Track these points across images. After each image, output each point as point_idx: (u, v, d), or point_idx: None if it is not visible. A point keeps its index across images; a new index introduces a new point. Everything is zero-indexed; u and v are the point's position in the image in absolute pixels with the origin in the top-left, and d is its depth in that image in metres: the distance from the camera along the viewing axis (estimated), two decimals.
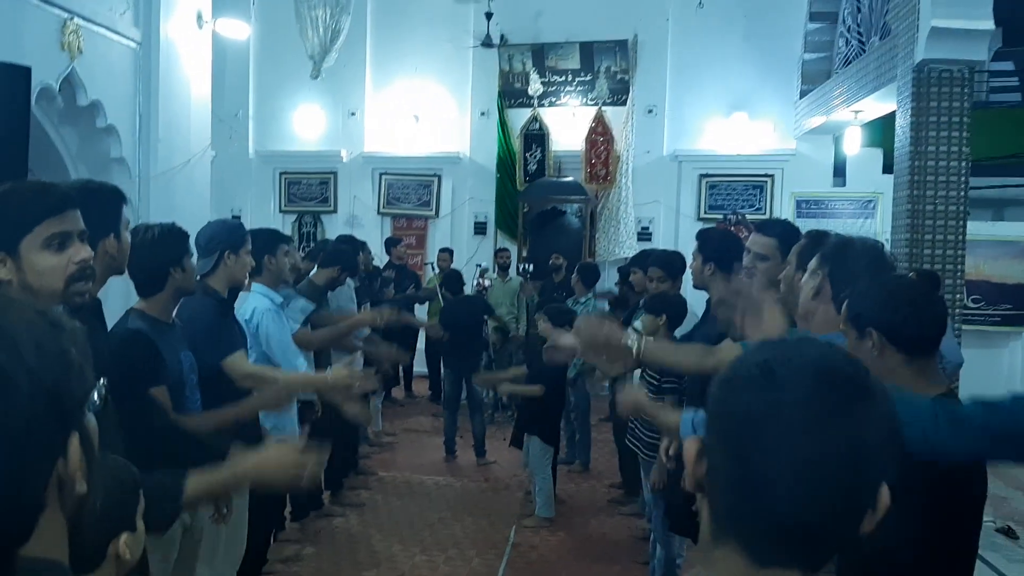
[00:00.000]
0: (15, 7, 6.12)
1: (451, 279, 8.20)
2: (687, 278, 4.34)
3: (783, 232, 3.16)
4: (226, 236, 3.56)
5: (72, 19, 6.71)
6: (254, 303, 4.20)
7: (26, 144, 5.87)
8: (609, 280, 9.74)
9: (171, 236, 2.97)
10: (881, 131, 9.20)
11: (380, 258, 9.41)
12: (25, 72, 5.90)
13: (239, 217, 11.02)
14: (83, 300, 1.96)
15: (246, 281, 3.75)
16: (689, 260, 4.15)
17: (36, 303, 0.90)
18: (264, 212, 11.78)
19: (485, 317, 8.31)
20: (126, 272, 2.52)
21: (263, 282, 4.28)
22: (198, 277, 3.22)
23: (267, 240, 4.32)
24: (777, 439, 0.89)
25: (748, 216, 10.46)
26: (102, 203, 2.29)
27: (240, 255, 3.55)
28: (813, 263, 2.41)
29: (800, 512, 0.90)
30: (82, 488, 0.86)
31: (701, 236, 3.92)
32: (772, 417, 0.90)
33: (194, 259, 3.11)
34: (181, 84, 8.29)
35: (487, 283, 9.37)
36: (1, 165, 5.55)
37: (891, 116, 7.75)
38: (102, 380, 0.99)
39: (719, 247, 3.60)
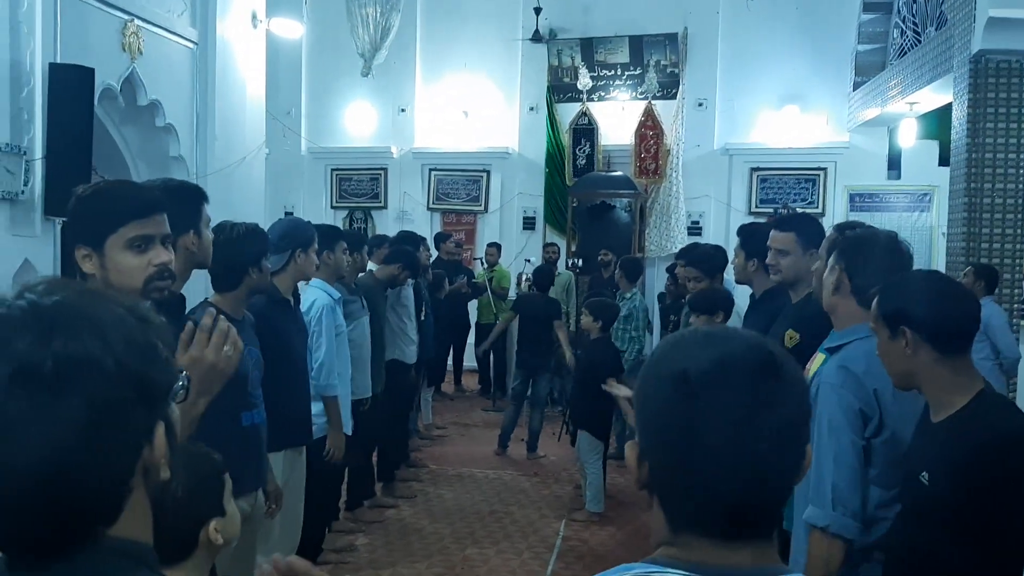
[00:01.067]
0: (79, 10, 6.31)
1: (541, 274, 7.89)
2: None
3: (799, 225, 3.26)
4: (298, 235, 3.69)
5: (132, 21, 6.89)
6: (312, 296, 4.32)
7: (90, 143, 6.06)
8: (657, 274, 9.70)
9: (253, 236, 3.08)
10: (937, 123, 9.04)
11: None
12: (89, 73, 6.10)
13: (291, 213, 11.20)
14: (161, 296, 2.05)
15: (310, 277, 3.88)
16: (731, 256, 4.16)
17: (123, 298, 0.95)
18: (316, 208, 11.90)
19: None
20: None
21: (320, 277, 4.38)
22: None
23: (325, 236, 4.42)
24: (710, 438, 0.93)
25: (798, 210, 10.33)
26: (183, 201, 2.39)
27: (309, 253, 3.68)
28: (832, 259, 2.41)
29: (749, 493, 0.95)
30: (166, 474, 0.91)
31: (743, 232, 3.90)
32: (699, 422, 0.94)
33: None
34: (237, 83, 8.46)
35: None
36: (67, 163, 5.76)
37: (947, 108, 7.62)
38: (184, 372, 1.04)
39: (762, 242, 3.60)
